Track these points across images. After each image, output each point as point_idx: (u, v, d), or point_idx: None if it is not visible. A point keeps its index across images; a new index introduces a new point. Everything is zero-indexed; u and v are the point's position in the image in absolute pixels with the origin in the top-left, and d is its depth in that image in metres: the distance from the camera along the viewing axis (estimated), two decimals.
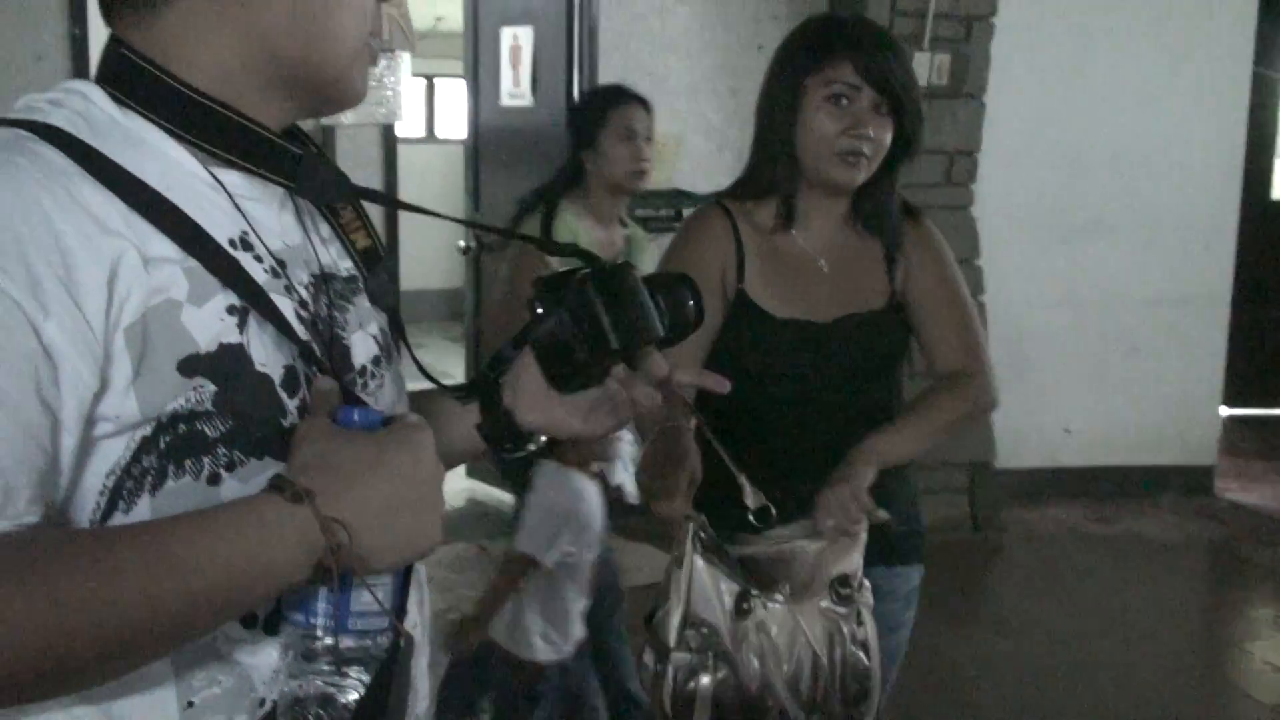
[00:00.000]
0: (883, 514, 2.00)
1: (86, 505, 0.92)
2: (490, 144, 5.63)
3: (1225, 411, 6.26)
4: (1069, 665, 4.14)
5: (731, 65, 5.30)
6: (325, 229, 1.13)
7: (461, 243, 5.77)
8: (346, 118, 4.67)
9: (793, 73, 2.09)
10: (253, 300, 0.97)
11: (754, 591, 1.90)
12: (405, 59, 4.81)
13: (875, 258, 2.20)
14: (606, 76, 5.14)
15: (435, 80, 10.37)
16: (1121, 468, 5.86)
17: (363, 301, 1.13)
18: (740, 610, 1.90)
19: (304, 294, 1.04)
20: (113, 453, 0.92)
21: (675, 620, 1.89)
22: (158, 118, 0.99)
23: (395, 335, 1.18)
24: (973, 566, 5.13)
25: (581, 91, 5.13)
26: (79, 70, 4.34)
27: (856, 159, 2.06)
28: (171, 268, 0.93)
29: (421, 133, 10.50)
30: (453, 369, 7.02)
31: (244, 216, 1.01)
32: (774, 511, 1.96)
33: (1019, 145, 5.53)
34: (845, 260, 2.19)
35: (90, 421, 0.90)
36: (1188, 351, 5.90)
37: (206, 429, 0.94)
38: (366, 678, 0.94)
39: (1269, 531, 5.53)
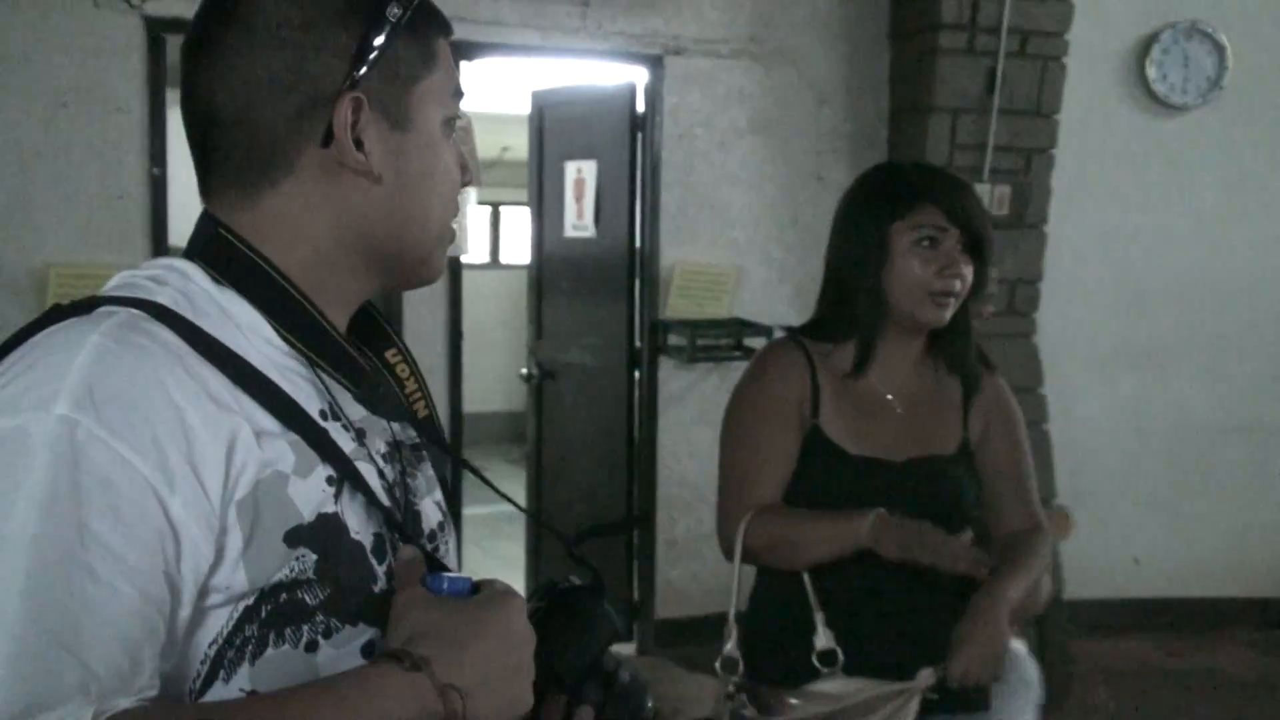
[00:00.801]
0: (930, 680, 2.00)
1: (189, 674, 0.95)
2: (553, 273, 5.72)
3: None
4: None
5: (791, 197, 5.37)
6: None
7: (524, 370, 5.84)
8: None
9: (878, 218, 2.13)
10: (346, 471, 1.01)
11: None
12: (471, 193, 4.91)
13: (949, 402, 2.23)
14: (668, 209, 5.23)
15: (501, 208, 10.57)
16: (1194, 600, 5.73)
17: (427, 469, 1.17)
18: None
19: (381, 463, 1.08)
20: (218, 622, 0.95)
21: None
22: (252, 299, 1.03)
23: (456, 491, 1.22)
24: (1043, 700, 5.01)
25: (643, 224, 5.22)
26: (158, 209, 4.47)
27: (947, 299, 2.12)
28: (279, 442, 0.97)
29: (486, 258, 10.68)
30: (513, 492, 7.03)
31: (328, 390, 1.05)
32: (840, 656, 1.96)
33: (1081, 274, 5.53)
34: (919, 402, 2.21)
35: (203, 593, 0.93)
36: (1259, 480, 5.79)
37: (307, 597, 0.97)
38: None
39: None
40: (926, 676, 2.00)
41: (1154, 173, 5.59)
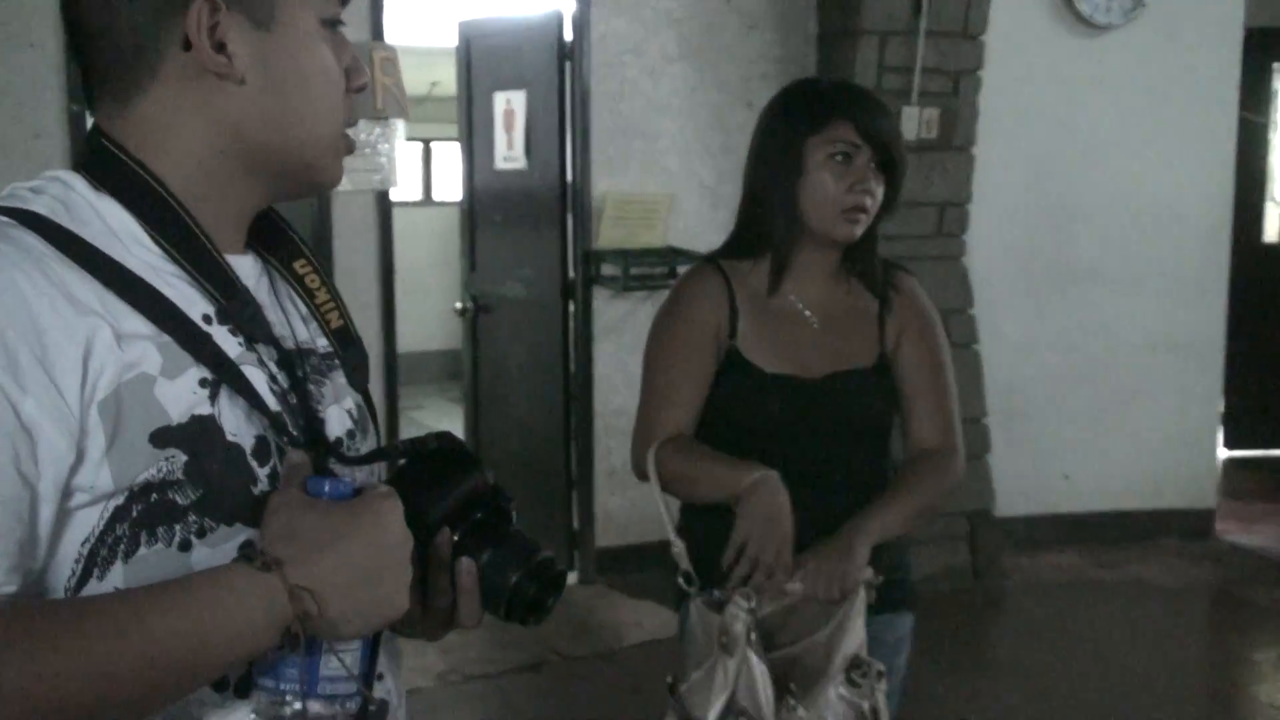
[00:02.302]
0: (870, 578, 2.03)
1: (63, 573, 0.96)
2: (485, 206, 5.69)
3: (1224, 454, 6.27)
4: (1072, 712, 4.13)
5: (723, 123, 5.37)
6: (302, 307, 1.17)
7: (459, 304, 5.82)
8: (342, 185, 4.70)
9: (793, 134, 2.14)
10: (224, 373, 1.01)
11: (792, 689, 1.97)
12: (399, 126, 4.86)
13: (866, 317, 2.24)
14: (599, 138, 5.21)
15: (432, 144, 10.47)
16: (1121, 513, 5.86)
17: (338, 377, 1.17)
18: (779, 705, 1.96)
19: (273, 367, 1.07)
20: (87, 522, 0.95)
21: (718, 705, 1.95)
22: (129, 206, 1.03)
23: (370, 410, 1.21)
24: (975, 615, 5.13)
25: (574, 154, 5.20)
26: (78, 147, 4.39)
27: (858, 215, 2.13)
28: (144, 343, 0.97)
29: (419, 196, 10.59)
30: (452, 426, 7.04)
31: (216, 295, 1.04)
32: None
33: (1009, 195, 5.58)
34: (836, 317, 2.23)
35: (66, 493, 0.93)
36: (1184, 396, 5.92)
37: (177, 497, 0.97)
38: None
39: (1271, 573, 5.53)
40: (868, 573, 2.04)
41: (1080, 93, 5.63)
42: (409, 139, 9.57)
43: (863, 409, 2.21)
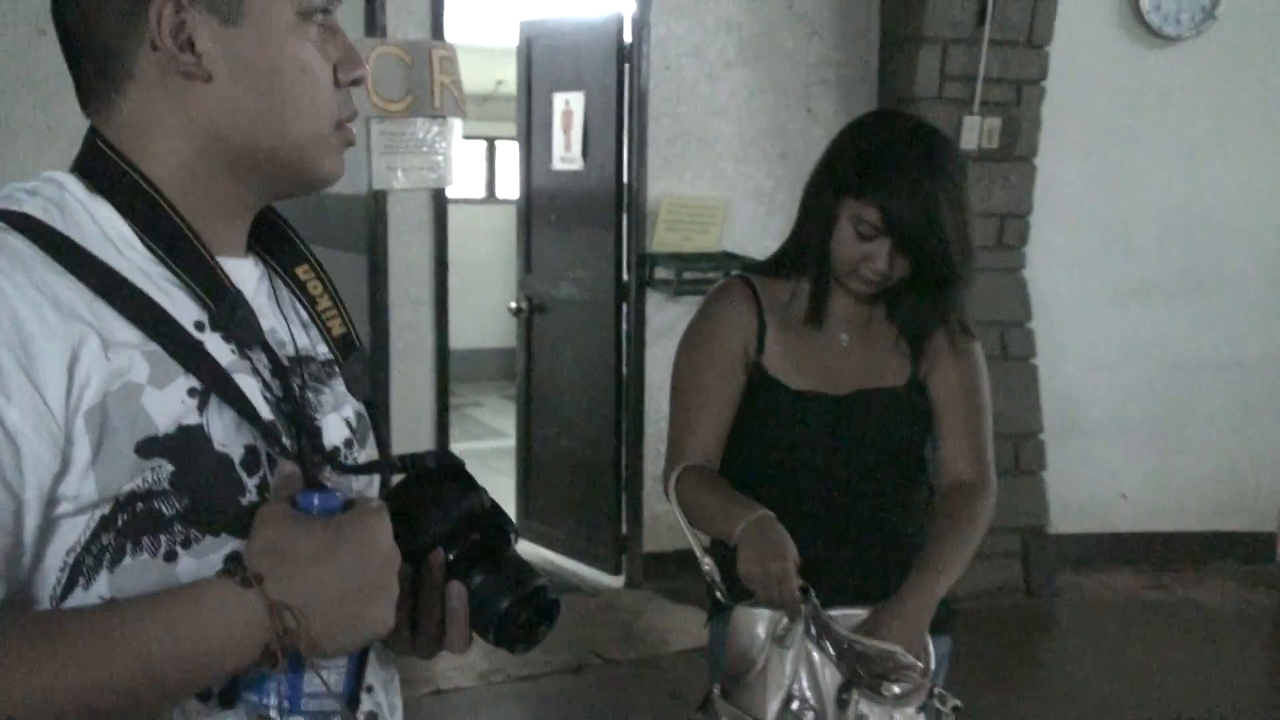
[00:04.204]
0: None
1: (48, 582, 0.95)
2: (541, 207, 5.70)
3: None
4: None
5: (781, 129, 5.33)
6: (304, 313, 1.16)
7: (513, 304, 5.83)
8: (397, 182, 4.74)
9: (833, 185, 2.10)
10: (213, 383, 1.00)
11: (859, 682, 1.95)
12: (457, 125, 4.86)
13: (899, 335, 2.21)
14: (656, 141, 5.20)
15: (497, 142, 10.51)
16: (1179, 534, 5.75)
17: (338, 385, 1.16)
18: (841, 700, 1.95)
19: (267, 375, 1.06)
20: (73, 531, 0.95)
21: (775, 702, 1.94)
22: (121, 208, 1.02)
23: (373, 420, 1.20)
24: (1025, 633, 5.06)
25: (630, 156, 5.19)
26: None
27: (869, 280, 2.10)
28: (131, 352, 0.96)
29: (481, 193, 10.63)
30: (507, 427, 7.07)
31: (207, 304, 1.03)
32: (811, 592, 1.98)
33: (1071, 208, 5.50)
34: (867, 336, 2.20)
35: (51, 501, 0.93)
36: (1247, 414, 5.80)
37: (164, 507, 0.96)
38: None
39: None
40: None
41: (1146, 105, 5.54)
42: (473, 137, 9.65)
43: (891, 429, 2.17)
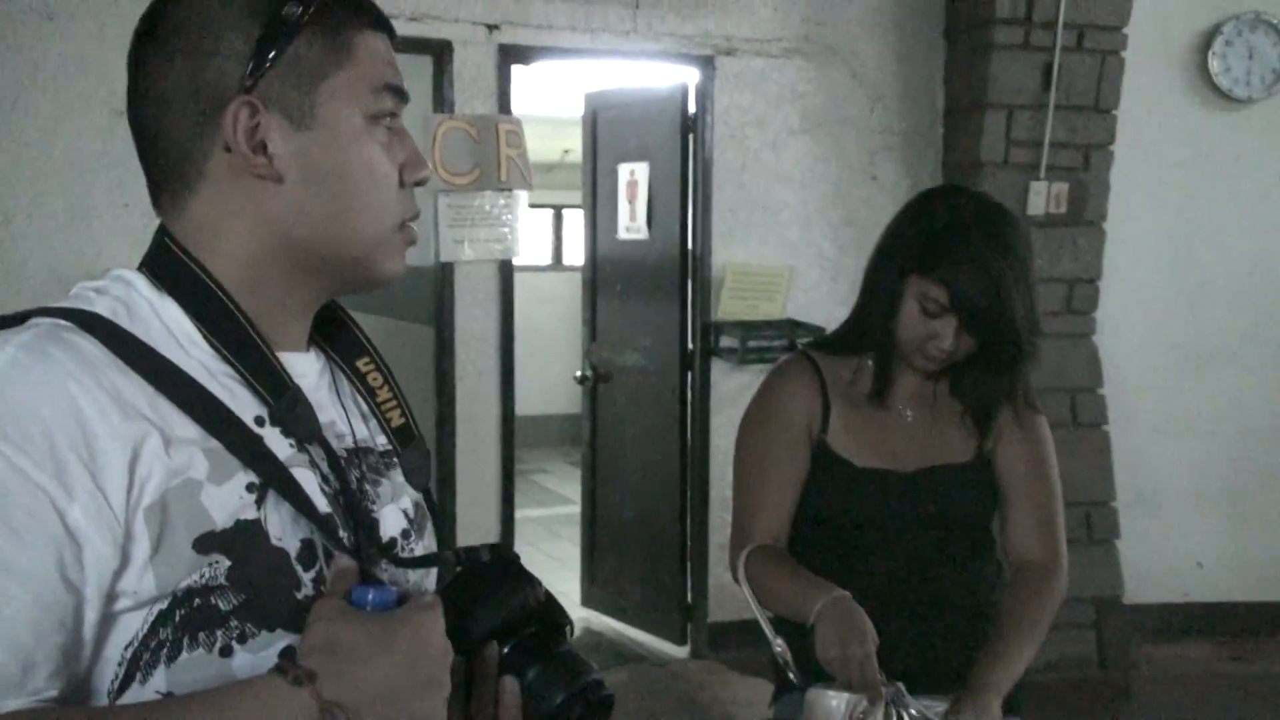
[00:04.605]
0: None
1: (106, 676, 0.96)
2: (607, 276, 5.73)
3: None
4: None
5: (845, 196, 5.34)
6: (364, 405, 1.17)
7: (578, 373, 5.85)
8: (464, 254, 4.80)
9: (898, 263, 2.10)
10: (271, 478, 1.01)
11: None
12: (523, 197, 4.93)
13: (964, 411, 2.19)
14: (720, 209, 5.22)
15: (563, 210, 10.60)
16: (1258, 604, 5.60)
17: (396, 476, 1.17)
18: None
19: (325, 468, 1.07)
20: (131, 626, 0.96)
21: None
22: (186, 305, 1.05)
23: (431, 509, 1.21)
24: (1100, 706, 4.94)
25: (695, 225, 5.21)
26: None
27: (934, 358, 2.09)
28: (192, 449, 0.98)
29: (548, 260, 10.72)
30: (572, 494, 7.08)
31: (267, 399, 1.05)
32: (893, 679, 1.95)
33: (1141, 272, 5.44)
34: (931, 412, 2.18)
35: (111, 597, 0.94)
36: None
37: (220, 602, 0.97)
38: None
39: None
40: None
41: (1215, 167, 5.48)
42: (540, 205, 9.74)
43: (959, 505, 2.15)
